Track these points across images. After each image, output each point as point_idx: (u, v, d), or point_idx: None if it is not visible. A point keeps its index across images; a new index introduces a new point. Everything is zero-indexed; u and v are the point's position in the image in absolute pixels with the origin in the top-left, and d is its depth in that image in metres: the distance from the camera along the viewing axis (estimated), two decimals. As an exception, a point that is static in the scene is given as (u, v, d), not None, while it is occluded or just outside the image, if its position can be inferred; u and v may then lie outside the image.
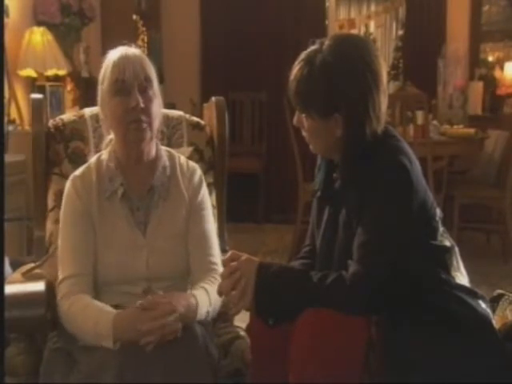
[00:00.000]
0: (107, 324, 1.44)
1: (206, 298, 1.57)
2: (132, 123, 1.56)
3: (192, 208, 1.67)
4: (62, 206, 1.65)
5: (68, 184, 1.65)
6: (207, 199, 1.73)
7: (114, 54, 1.60)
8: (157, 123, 1.62)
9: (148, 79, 1.59)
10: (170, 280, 1.62)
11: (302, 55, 1.52)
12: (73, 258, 1.58)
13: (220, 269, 1.65)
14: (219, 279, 1.53)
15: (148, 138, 1.60)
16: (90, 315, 1.48)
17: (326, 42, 1.51)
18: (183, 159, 1.74)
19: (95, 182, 1.63)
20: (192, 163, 1.76)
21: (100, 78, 1.62)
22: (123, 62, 1.57)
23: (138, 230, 1.62)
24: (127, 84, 1.56)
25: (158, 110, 1.62)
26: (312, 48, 1.52)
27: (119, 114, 1.57)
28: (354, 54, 1.50)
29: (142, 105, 1.55)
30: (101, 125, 1.85)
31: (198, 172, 1.74)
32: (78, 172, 1.67)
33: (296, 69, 1.52)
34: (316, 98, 1.49)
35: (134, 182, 1.64)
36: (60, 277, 1.58)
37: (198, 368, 1.43)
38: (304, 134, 1.58)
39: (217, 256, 1.69)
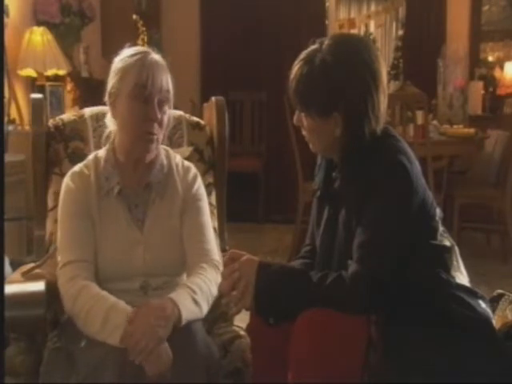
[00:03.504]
0: (118, 321, 1.43)
1: (188, 298, 1.52)
2: (145, 134, 1.58)
3: (186, 200, 1.67)
4: (61, 200, 1.64)
5: (66, 179, 1.66)
6: (202, 193, 1.73)
7: (139, 54, 1.58)
8: (164, 134, 1.64)
9: (168, 92, 1.60)
10: (166, 276, 1.62)
11: (302, 54, 1.53)
12: (75, 245, 1.58)
13: (216, 257, 1.66)
14: (218, 266, 1.56)
15: (154, 148, 1.61)
16: (101, 307, 1.47)
17: (326, 42, 1.51)
18: (179, 158, 1.75)
19: (93, 179, 1.64)
20: (187, 162, 1.76)
21: (116, 68, 1.59)
22: (151, 69, 1.56)
23: (135, 226, 1.62)
24: (150, 93, 1.55)
25: (168, 121, 1.64)
26: (312, 47, 1.52)
27: (134, 120, 1.57)
28: (353, 53, 1.50)
29: (159, 118, 1.57)
30: (101, 124, 1.85)
31: (193, 169, 1.74)
32: (76, 168, 1.67)
33: (296, 68, 1.52)
34: (315, 97, 1.49)
35: (131, 180, 1.65)
36: (61, 262, 1.57)
37: (194, 366, 1.43)
38: (304, 132, 1.58)
39: (211, 243, 1.68)
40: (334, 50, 1.49)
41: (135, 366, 1.39)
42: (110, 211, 1.62)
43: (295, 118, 1.58)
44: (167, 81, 1.60)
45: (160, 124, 1.59)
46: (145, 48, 1.64)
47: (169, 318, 1.44)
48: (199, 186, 1.73)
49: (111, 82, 1.60)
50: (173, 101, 1.63)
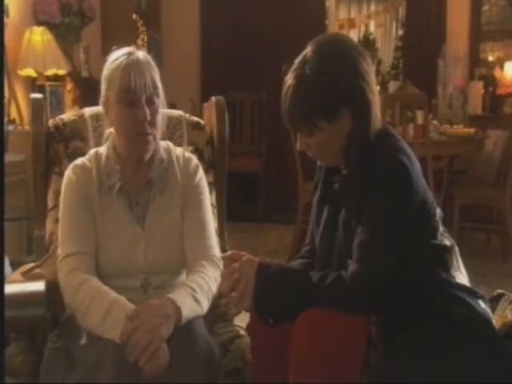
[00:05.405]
0: (119, 316, 1.43)
1: (189, 297, 1.51)
2: (138, 136, 1.58)
3: (187, 192, 1.67)
4: (62, 192, 1.64)
5: (68, 172, 1.65)
6: (204, 185, 1.72)
7: (121, 57, 1.58)
8: (160, 132, 1.63)
9: (156, 88, 1.59)
10: (167, 274, 1.62)
11: (289, 76, 1.50)
12: (76, 237, 1.58)
13: (216, 253, 1.66)
14: (218, 263, 1.57)
15: (151, 148, 1.61)
16: (103, 301, 1.47)
17: (308, 50, 1.50)
18: (179, 151, 1.75)
19: (94, 175, 1.64)
20: (188, 153, 1.76)
21: (103, 77, 1.61)
22: (132, 70, 1.56)
23: (136, 223, 1.62)
24: (135, 95, 1.55)
25: (162, 118, 1.63)
26: (294, 66, 1.50)
27: (126, 125, 1.58)
28: (336, 51, 1.49)
29: (148, 117, 1.56)
30: (101, 124, 1.85)
31: (194, 160, 1.74)
32: (78, 161, 1.67)
33: (290, 91, 1.49)
34: (320, 100, 1.46)
35: (132, 178, 1.65)
36: (62, 254, 1.57)
37: (195, 362, 1.43)
38: (310, 153, 1.56)
39: (212, 239, 1.68)
40: (319, 53, 1.48)
41: (133, 365, 1.38)
42: (111, 208, 1.62)
43: (298, 144, 1.56)
44: (152, 77, 1.59)
45: (152, 123, 1.58)
46: (129, 48, 1.62)
47: (170, 316, 1.44)
48: (201, 177, 1.72)
49: (102, 91, 1.62)
50: (163, 95, 1.62)
